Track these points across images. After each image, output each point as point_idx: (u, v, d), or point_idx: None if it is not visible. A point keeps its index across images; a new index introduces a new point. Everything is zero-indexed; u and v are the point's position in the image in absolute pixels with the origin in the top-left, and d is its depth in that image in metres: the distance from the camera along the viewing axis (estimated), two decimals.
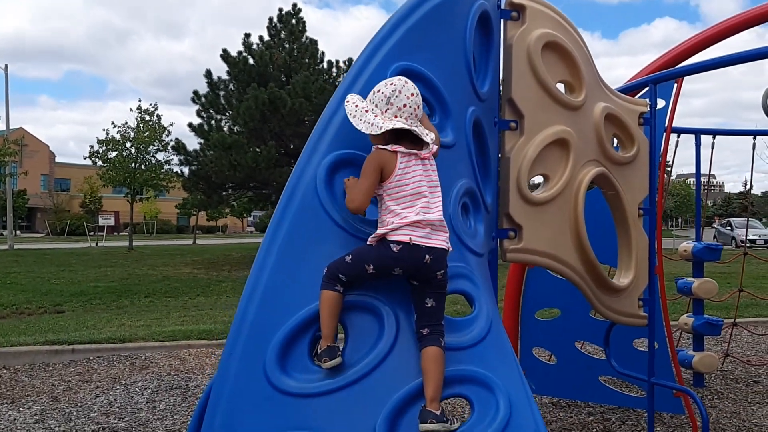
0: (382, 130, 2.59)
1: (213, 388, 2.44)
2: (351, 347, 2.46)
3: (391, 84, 2.67)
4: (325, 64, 25.86)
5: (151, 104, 38.48)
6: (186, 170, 25.70)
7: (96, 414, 5.81)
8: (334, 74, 25.60)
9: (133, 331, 9.56)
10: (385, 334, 2.45)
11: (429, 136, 2.67)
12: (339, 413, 2.32)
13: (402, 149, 2.62)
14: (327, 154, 2.63)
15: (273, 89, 21.99)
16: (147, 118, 34.61)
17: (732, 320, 7.97)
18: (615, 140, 4.28)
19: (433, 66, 2.96)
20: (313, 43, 25.79)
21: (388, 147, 2.62)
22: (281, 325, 2.42)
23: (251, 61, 24.67)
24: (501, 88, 3.67)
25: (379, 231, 2.54)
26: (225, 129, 24.69)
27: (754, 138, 6.93)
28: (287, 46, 25.48)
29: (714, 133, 6.79)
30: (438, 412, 2.35)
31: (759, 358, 8.20)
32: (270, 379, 2.35)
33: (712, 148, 6.89)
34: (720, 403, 6.23)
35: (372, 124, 2.62)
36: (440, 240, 2.58)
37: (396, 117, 2.62)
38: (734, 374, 7.36)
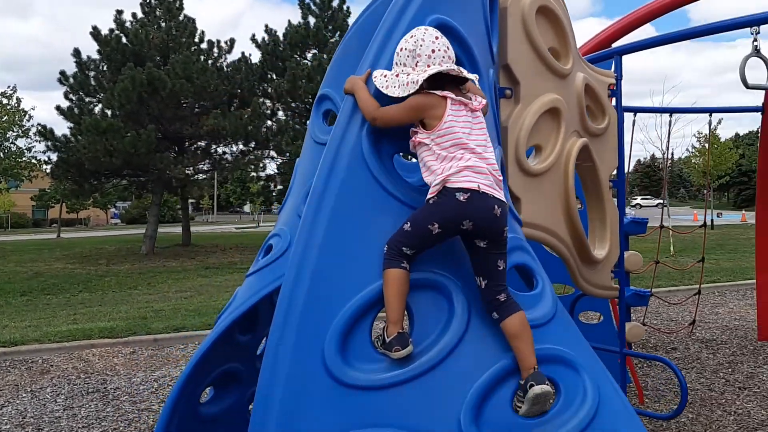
0: (419, 83, 2.37)
1: (260, 384, 2.09)
2: (418, 331, 2.19)
3: (411, 36, 2.48)
4: (205, 44, 24.70)
5: (9, 87, 35.27)
6: (54, 157, 23.73)
7: (8, 426, 5.10)
8: (216, 54, 24.54)
9: (22, 332, 8.62)
10: (456, 314, 2.19)
11: (473, 75, 2.46)
12: (415, 406, 2.05)
13: (452, 95, 2.39)
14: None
15: (151, 69, 20.71)
16: (5, 101, 31.59)
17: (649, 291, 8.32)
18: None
19: (461, 22, 2.73)
20: (192, 21, 24.54)
21: (436, 91, 2.39)
22: (338, 310, 2.11)
23: (124, 39, 23.09)
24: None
25: (438, 178, 2.27)
26: (97, 112, 22.98)
27: (671, 115, 7.24)
28: (164, 24, 24.07)
29: (635, 110, 7.01)
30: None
31: (667, 327, 8.65)
32: (331, 370, 2.05)
33: (633, 125, 7.12)
34: (651, 371, 6.46)
35: (407, 84, 2.39)
36: (501, 192, 2.36)
37: (429, 66, 2.41)
38: (652, 343, 7.70)
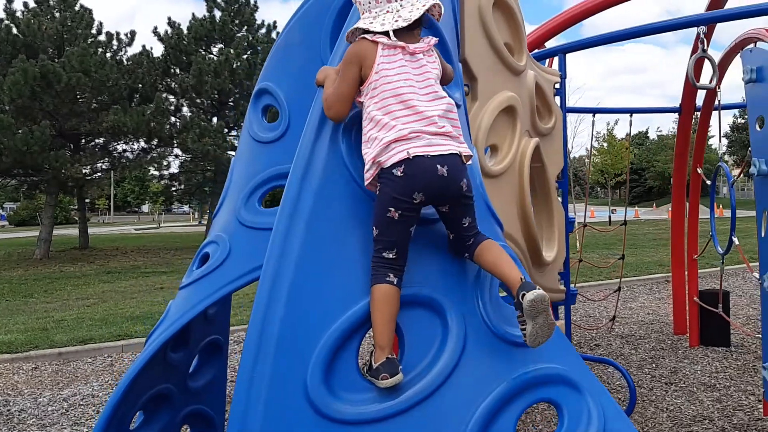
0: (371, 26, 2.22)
1: (233, 419, 1.80)
2: (410, 355, 1.95)
3: None
4: (103, 36, 23.40)
5: None
6: None
7: None
8: (115, 47, 23.30)
9: None
10: (451, 335, 1.97)
11: (437, 8, 2.26)
12: None
13: (384, 40, 2.17)
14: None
15: (45, 62, 19.37)
16: None
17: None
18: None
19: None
20: (89, 12, 23.19)
21: (368, 35, 2.19)
22: (321, 332, 1.85)
23: (15, 30, 21.52)
24: None
25: (368, 160, 2.08)
26: None
27: (631, 115, 7.38)
28: (58, 15, 22.61)
29: (593, 111, 7.15)
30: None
31: (586, 323, 8.82)
32: (315, 403, 1.79)
33: (593, 126, 7.31)
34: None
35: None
36: (447, 144, 2.12)
37: (388, 11, 2.24)
38: (576, 340, 7.80)
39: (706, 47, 3.65)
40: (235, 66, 22.67)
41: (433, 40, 2.28)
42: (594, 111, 7.31)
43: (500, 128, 3.40)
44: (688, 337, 7.44)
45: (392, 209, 2.05)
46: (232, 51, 23.22)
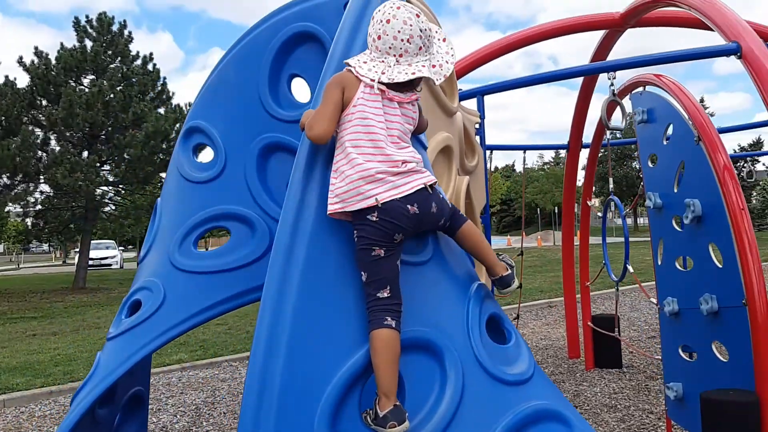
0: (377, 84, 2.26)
1: None
2: (411, 400, 1.92)
3: (378, 22, 2.29)
4: None
5: None
6: None
7: None
8: None
9: None
10: (450, 378, 1.96)
11: (426, 69, 2.27)
12: None
13: (366, 79, 2.22)
14: (331, 155, 2.05)
15: None
16: None
17: None
18: None
19: None
20: None
21: (353, 68, 2.24)
22: (324, 386, 1.80)
23: None
24: None
25: (332, 194, 2.13)
26: None
27: (524, 152, 7.69)
28: None
29: (491, 148, 7.41)
30: None
31: None
32: None
33: (490, 161, 7.58)
34: None
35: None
36: (412, 182, 2.19)
37: (383, 61, 2.27)
38: None
39: (615, 91, 3.93)
40: (108, 98, 21.67)
41: (416, 95, 2.34)
42: (491, 148, 7.63)
43: (439, 168, 3.48)
44: (583, 360, 7.84)
45: (376, 248, 2.10)
46: (105, 83, 22.20)
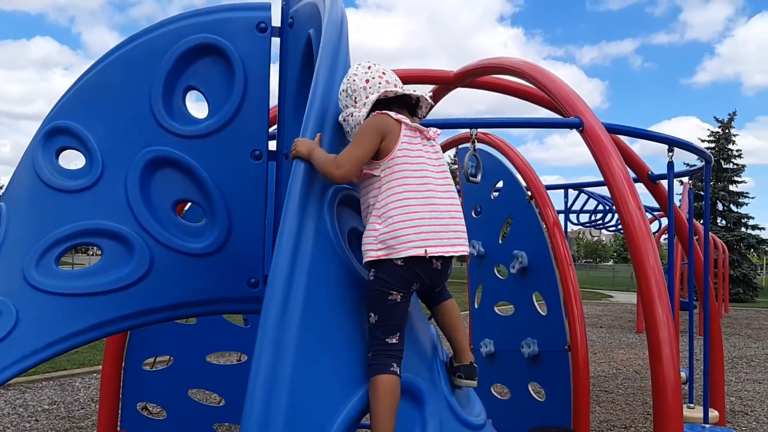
0: (363, 115, 2.22)
1: None
2: None
3: (346, 79, 2.33)
4: None
5: None
6: None
7: None
8: None
9: None
10: (429, 423, 1.92)
11: (426, 101, 2.34)
12: None
13: (407, 120, 2.21)
14: (329, 183, 1.93)
15: None
16: None
17: None
18: None
19: None
20: None
21: (391, 113, 2.20)
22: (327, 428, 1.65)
23: None
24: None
25: (374, 238, 2.08)
26: None
27: None
28: None
29: None
30: None
31: None
32: None
33: None
34: None
35: (354, 126, 2.25)
36: (455, 246, 2.18)
37: (367, 97, 2.25)
38: None
39: (475, 147, 4.21)
40: None
41: (439, 131, 2.33)
42: None
43: None
44: None
45: (394, 292, 2.05)
46: None
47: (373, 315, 2.04)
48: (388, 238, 2.07)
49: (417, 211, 2.11)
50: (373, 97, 2.21)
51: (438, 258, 2.12)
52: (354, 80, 2.27)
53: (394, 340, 2.03)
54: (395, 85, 2.30)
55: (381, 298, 2.05)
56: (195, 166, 3.04)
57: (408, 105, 2.33)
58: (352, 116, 2.24)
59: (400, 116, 2.22)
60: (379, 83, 2.27)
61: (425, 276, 2.12)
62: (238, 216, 3.08)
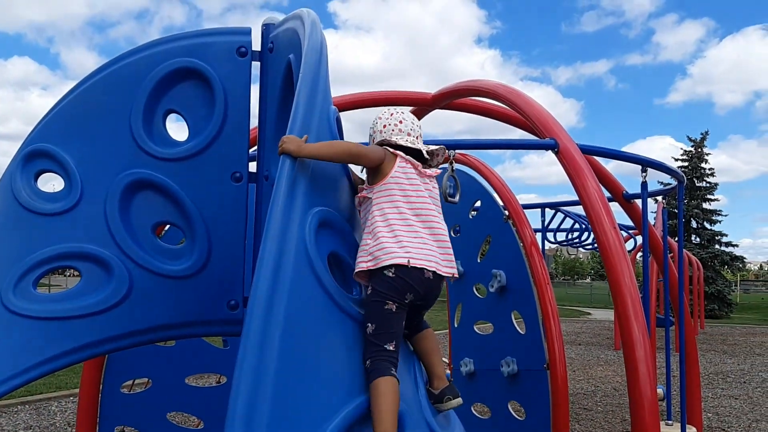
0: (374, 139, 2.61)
1: None
2: None
3: (376, 117, 2.68)
4: None
5: None
6: None
7: None
8: None
9: None
10: None
11: (440, 152, 2.65)
12: None
13: (402, 154, 2.48)
14: (308, 206, 1.95)
15: None
16: None
17: None
18: None
19: None
20: None
21: (389, 148, 2.50)
22: None
23: None
24: None
25: (367, 253, 2.29)
26: None
27: None
28: None
29: None
30: None
31: None
32: None
33: None
34: None
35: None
36: (446, 267, 2.39)
37: (375, 139, 2.63)
38: None
39: (453, 168, 4.26)
40: None
41: (437, 170, 2.62)
42: None
43: None
44: None
45: (390, 302, 2.22)
46: None
47: (370, 325, 2.18)
48: (375, 250, 2.27)
49: (400, 228, 2.33)
50: (378, 139, 2.58)
51: (429, 270, 2.31)
52: (377, 122, 2.65)
53: (392, 348, 2.16)
54: (408, 134, 2.59)
55: (378, 308, 2.21)
56: (175, 189, 3.05)
57: (415, 155, 2.56)
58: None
59: (397, 151, 2.50)
60: (392, 130, 2.58)
61: (418, 286, 2.28)
62: (218, 238, 3.09)
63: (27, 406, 8.40)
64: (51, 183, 3.35)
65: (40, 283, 3.02)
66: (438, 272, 2.33)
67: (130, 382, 5.43)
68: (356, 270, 2.29)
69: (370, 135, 2.66)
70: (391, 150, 2.49)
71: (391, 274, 2.24)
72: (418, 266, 2.27)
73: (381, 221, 2.33)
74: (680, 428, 6.12)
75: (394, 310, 2.22)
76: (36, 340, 2.80)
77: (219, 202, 3.10)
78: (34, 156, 3.13)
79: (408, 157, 2.49)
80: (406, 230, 2.33)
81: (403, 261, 2.25)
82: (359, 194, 2.50)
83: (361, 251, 2.31)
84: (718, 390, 10.91)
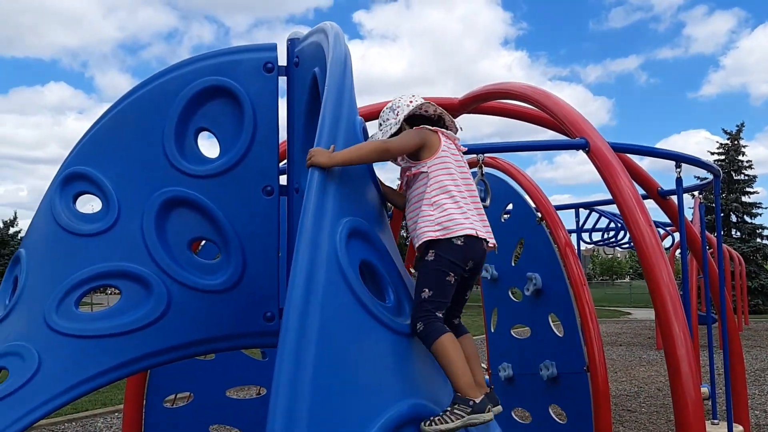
0: (400, 120, 2.68)
1: None
2: None
3: (394, 100, 2.80)
4: None
5: None
6: None
7: None
8: None
9: None
10: None
11: (455, 124, 2.79)
12: None
13: (442, 130, 2.64)
14: (338, 216, 1.98)
15: None
16: None
17: None
18: None
19: None
20: None
21: (428, 126, 2.62)
22: None
23: None
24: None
25: (431, 222, 2.43)
26: None
27: None
28: None
29: None
30: None
31: None
32: None
33: None
34: None
35: (391, 127, 2.70)
36: (488, 232, 2.55)
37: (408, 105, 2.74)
38: None
39: (483, 172, 4.27)
40: None
41: (463, 147, 2.81)
42: None
43: None
44: None
45: (451, 273, 2.37)
46: None
47: (427, 290, 2.33)
48: (444, 220, 2.42)
49: (460, 199, 2.49)
50: (405, 114, 2.70)
51: (485, 241, 2.49)
52: (399, 101, 2.76)
53: (440, 314, 2.31)
54: (420, 107, 2.74)
55: (439, 277, 2.36)
56: (209, 205, 3.10)
57: (433, 123, 2.72)
58: (386, 122, 2.72)
59: (435, 128, 2.65)
60: (415, 103, 2.74)
61: (479, 256, 2.46)
62: (252, 251, 3.13)
63: (73, 423, 8.56)
64: (90, 204, 3.43)
65: (82, 302, 3.10)
66: (489, 242, 2.50)
67: (172, 397, 5.51)
68: (422, 240, 2.41)
69: (385, 121, 2.74)
70: (431, 129, 2.62)
71: (460, 243, 2.38)
72: (481, 236, 2.45)
73: (442, 192, 2.47)
74: (727, 427, 5.98)
75: (452, 281, 2.38)
76: (80, 358, 2.86)
77: (251, 216, 3.15)
78: (72, 179, 3.22)
79: (447, 131, 2.65)
80: (464, 201, 2.48)
81: (472, 232, 2.41)
82: (410, 171, 2.59)
83: (425, 221, 2.43)
84: (765, 387, 10.64)
